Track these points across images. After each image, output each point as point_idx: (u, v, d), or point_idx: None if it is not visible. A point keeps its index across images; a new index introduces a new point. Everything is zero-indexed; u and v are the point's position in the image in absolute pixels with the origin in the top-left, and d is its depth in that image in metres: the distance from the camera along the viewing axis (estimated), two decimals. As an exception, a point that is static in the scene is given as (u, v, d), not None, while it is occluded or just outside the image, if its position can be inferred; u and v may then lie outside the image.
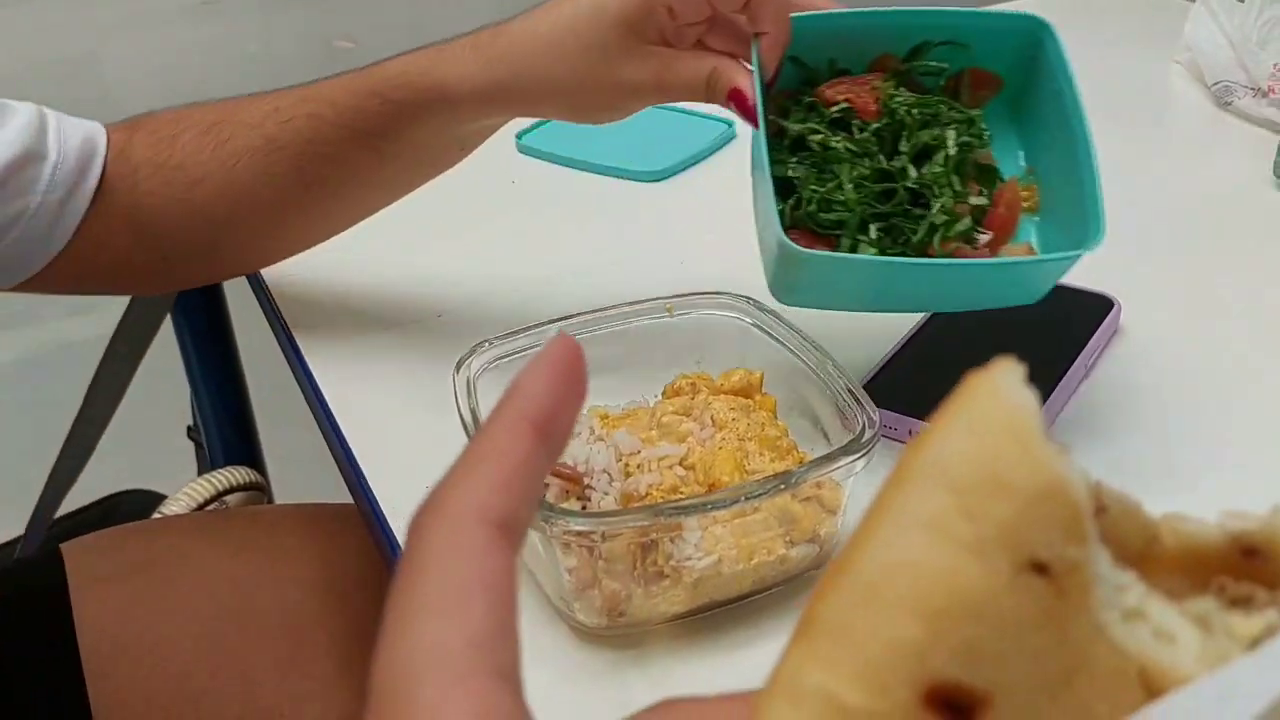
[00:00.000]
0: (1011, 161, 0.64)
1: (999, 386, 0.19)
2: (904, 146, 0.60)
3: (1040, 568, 0.18)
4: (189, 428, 1.06)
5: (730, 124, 0.97)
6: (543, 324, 0.59)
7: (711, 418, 0.55)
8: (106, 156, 0.67)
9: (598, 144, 0.93)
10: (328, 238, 0.73)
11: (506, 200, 0.90)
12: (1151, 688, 0.18)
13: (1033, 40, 0.61)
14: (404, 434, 0.65)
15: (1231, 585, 0.20)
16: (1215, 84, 0.99)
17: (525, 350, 0.58)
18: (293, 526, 0.79)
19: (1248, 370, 0.69)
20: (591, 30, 0.58)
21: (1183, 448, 0.63)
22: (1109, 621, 0.18)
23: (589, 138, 0.94)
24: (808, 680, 0.19)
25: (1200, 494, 0.59)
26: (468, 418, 0.53)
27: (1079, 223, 0.58)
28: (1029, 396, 0.19)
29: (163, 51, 3.30)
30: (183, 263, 0.72)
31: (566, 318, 0.59)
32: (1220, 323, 0.74)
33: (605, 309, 0.60)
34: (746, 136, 0.99)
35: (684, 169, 0.93)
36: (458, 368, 0.56)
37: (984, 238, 0.60)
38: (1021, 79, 0.63)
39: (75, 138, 0.66)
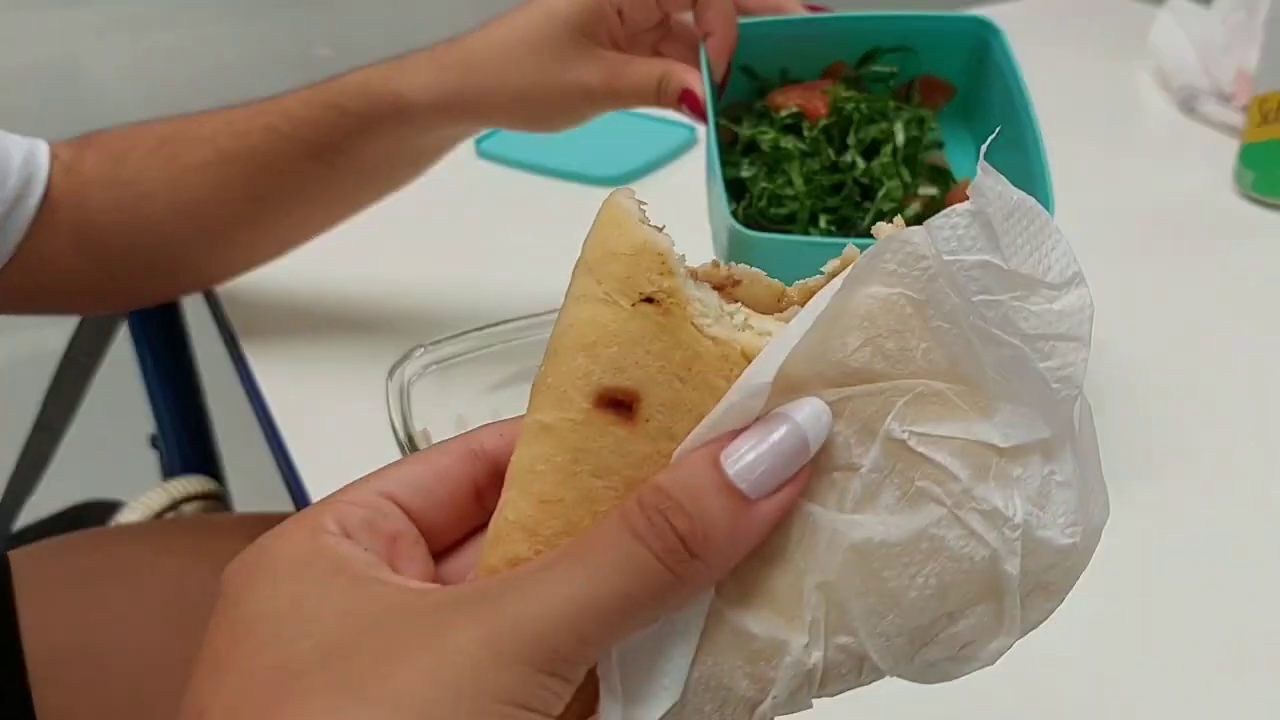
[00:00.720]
0: (969, 169, 0.64)
1: (611, 200, 0.28)
2: (851, 140, 0.61)
3: (648, 299, 0.27)
4: (151, 436, 1.05)
5: (691, 129, 0.97)
6: (470, 330, 0.58)
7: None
8: (51, 174, 0.67)
9: (557, 149, 0.93)
10: (276, 256, 0.73)
11: (465, 205, 0.90)
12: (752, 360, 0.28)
13: (980, 42, 0.62)
14: (345, 442, 0.64)
15: None
16: (1180, 89, 0.98)
17: (458, 356, 0.57)
18: (240, 535, 0.77)
19: (1206, 372, 0.69)
20: (543, 34, 0.60)
21: (1141, 450, 0.62)
22: (705, 325, 0.27)
23: (549, 143, 0.92)
24: (527, 421, 0.28)
25: (1154, 493, 0.58)
26: (398, 424, 0.53)
27: None
28: (627, 198, 0.28)
29: (146, 57, 3.29)
30: (131, 281, 0.72)
31: (501, 323, 0.59)
32: (1179, 326, 0.73)
33: (538, 315, 0.59)
34: (706, 143, 0.99)
35: (643, 174, 0.93)
36: (390, 374, 0.55)
37: None
38: (973, 84, 0.64)
39: (17, 156, 0.66)
